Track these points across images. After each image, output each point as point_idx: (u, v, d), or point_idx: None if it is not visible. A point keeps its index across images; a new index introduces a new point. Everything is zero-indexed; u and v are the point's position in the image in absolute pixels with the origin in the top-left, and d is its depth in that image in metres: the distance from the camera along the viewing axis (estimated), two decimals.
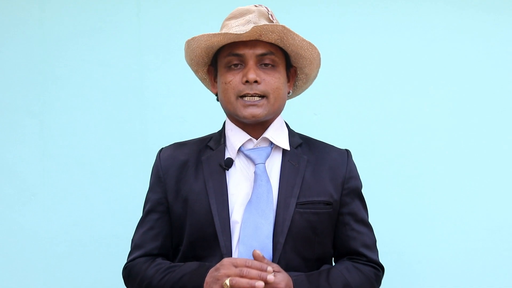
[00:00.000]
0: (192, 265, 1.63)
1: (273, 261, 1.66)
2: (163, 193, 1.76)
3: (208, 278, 1.55)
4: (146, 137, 2.58)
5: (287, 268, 1.66)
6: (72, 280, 2.58)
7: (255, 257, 1.59)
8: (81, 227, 2.58)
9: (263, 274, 1.54)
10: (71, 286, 2.59)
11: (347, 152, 1.85)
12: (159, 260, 1.75)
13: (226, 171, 1.73)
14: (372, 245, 1.83)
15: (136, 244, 1.79)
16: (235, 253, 1.67)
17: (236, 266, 1.55)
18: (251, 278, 1.54)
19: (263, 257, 1.59)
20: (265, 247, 1.63)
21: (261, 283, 1.51)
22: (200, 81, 1.95)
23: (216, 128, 1.89)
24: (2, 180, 2.60)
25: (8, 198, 2.59)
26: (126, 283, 1.80)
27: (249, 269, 1.54)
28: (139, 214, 1.86)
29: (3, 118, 2.62)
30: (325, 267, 1.74)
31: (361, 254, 1.80)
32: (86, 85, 2.60)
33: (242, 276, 1.54)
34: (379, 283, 1.83)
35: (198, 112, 2.59)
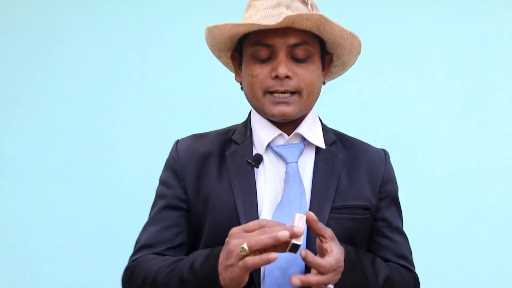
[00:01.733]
0: (203, 251, 1.41)
1: (305, 273, 1.47)
2: (182, 189, 1.56)
3: (221, 259, 1.31)
4: (148, 130, 2.51)
5: None
6: (70, 274, 2.53)
7: (309, 219, 1.34)
8: (81, 220, 2.54)
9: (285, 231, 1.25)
10: (70, 280, 2.53)
11: (384, 152, 1.68)
12: (169, 256, 1.54)
13: (256, 169, 1.54)
14: (408, 256, 1.66)
15: (145, 244, 1.56)
16: None
17: (250, 231, 1.29)
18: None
19: (317, 221, 1.35)
20: (296, 257, 1.46)
21: (286, 233, 1.22)
22: (220, 66, 1.76)
23: (226, 125, 1.71)
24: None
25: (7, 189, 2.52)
26: (125, 287, 1.57)
27: (270, 228, 1.27)
28: (142, 208, 1.68)
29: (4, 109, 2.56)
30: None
31: (396, 264, 1.63)
32: (87, 77, 2.56)
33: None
34: None
35: (206, 106, 2.52)
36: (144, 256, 1.53)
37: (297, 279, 1.27)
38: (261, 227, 1.26)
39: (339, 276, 1.34)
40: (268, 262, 1.20)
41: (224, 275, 1.28)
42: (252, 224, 1.28)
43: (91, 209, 2.57)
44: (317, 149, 1.59)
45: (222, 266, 1.29)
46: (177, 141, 1.64)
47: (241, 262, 1.23)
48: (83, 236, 2.58)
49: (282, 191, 1.51)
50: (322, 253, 1.37)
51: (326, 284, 1.31)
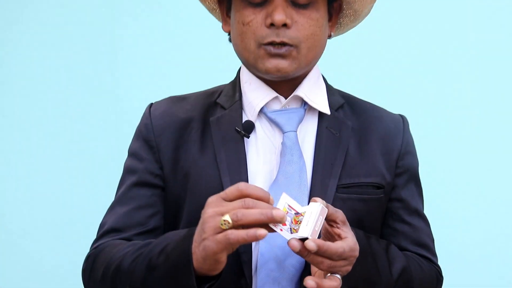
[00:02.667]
0: (179, 231, 1.23)
1: (305, 266, 1.30)
2: (157, 163, 1.38)
3: (196, 235, 1.13)
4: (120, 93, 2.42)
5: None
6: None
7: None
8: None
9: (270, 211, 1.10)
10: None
11: (402, 119, 1.49)
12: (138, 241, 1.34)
13: (246, 138, 1.36)
14: (429, 244, 1.48)
15: (111, 228, 1.36)
16: (254, 254, 1.30)
17: (228, 200, 1.12)
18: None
19: (327, 204, 1.19)
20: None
21: (282, 213, 1.09)
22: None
23: (210, 86, 1.52)
24: None
25: None
26: (86, 279, 1.36)
27: (254, 201, 1.11)
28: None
29: None
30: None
31: (415, 254, 1.45)
32: (53, 59, 2.56)
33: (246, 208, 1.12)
34: None
35: (186, 63, 2.45)
36: (109, 241, 1.35)
37: (312, 282, 1.14)
38: (241, 194, 1.11)
39: (349, 267, 1.19)
40: (256, 239, 1.07)
41: (198, 254, 1.12)
42: (229, 191, 1.12)
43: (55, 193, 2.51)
44: (321, 115, 1.41)
45: (196, 244, 1.12)
46: (151, 105, 1.45)
47: (220, 236, 1.08)
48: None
49: (277, 166, 1.35)
50: (331, 240, 1.21)
51: (333, 273, 1.18)
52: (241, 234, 1.07)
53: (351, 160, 1.39)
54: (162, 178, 1.38)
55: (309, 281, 1.13)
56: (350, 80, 2.15)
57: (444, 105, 2.53)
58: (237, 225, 1.08)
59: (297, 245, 1.11)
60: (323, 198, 1.29)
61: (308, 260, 1.14)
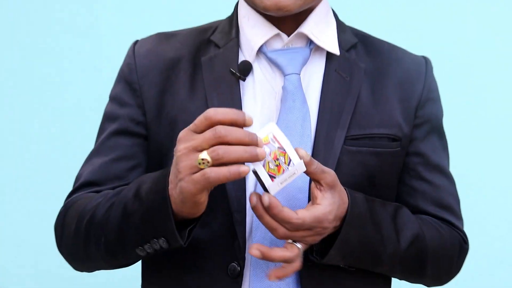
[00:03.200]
0: (154, 173, 1.12)
1: None
2: (140, 108, 1.26)
3: (171, 176, 1.05)
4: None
5: (325, 239, 1.17)
6: None
7: (303, 157, 1.06)
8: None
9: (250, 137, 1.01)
10: None
11: (426, 61, 1.34)
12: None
13: (242, 81, 1.23)
14: (452, 205, 1.33)
15: (87, 181, 1.26)
16: (249, 213, 1.19)
17: (199, 131, 1.01)
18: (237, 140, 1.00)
19: (312, 160, 1.07)
20: (298, 204, 1.17)
21: (264, 150, 1.00)
22: None
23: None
24: None
25: None
26: (59, 236, 1.25)
27: (227, 128, 0.99)
28: None
29: None
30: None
31: (435, 217, 1.31)
32: None
33: (221, 141, 0.99)
34: (462, 260, 1.34)
35: None
36: (81, 195, 1.25)
37: (257, 251, 1.07)
38: (211, 122, 0.99)
39: (317, 237, 1.10)
40: (239, 176, 0.98)
41: (175, 196, 1.03)
42: (198, 121, 1.00)
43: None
44: (329, 56, 1.27)
45: (172, 185, 1.04)
46: (135, 42, 1.32)
47: (197, 175, 0.98)
48: None
49: (277, 113, 1.23)
50: (313, 202, 1.12)
51: (293, 241, 1.10)
52: (223, 172, 0.97)
53: (363, 108, 1.25)
54: (145, 125, 1.26)
55: (253, 250, 1.06)
56: None
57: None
58: (217, 164, 0.98)
59: (254, 199, 1.05)
60: (329, 151, 1.20)
61: (261, 222, 1.06)
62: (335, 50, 1.25)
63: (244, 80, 1.22)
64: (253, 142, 0.98)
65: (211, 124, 0.99)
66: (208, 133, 0.98)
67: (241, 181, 1.18)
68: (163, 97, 1.25)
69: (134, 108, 1.26)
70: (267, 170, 1.02)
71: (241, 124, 1.00)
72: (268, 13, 1.20)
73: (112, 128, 1.27)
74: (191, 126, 1.01)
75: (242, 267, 1.16)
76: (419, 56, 1.35)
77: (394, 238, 1.20)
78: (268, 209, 1.05)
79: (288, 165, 1.02)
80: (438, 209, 1.30)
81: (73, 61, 2.42)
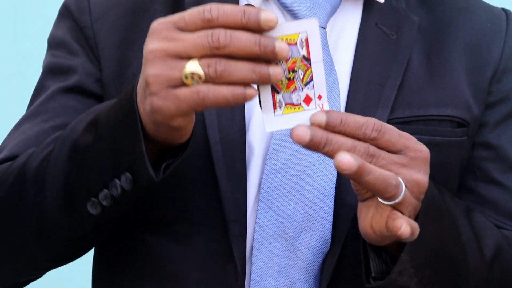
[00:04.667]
0: (107, 102, 0.93)
1: (330, 247, 0.96)
2: (92, 63, 1.04)
3: (139, 87, 0.82)
4: None
5: (358, 254, 0.92)
6: None
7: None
8: None
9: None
10: None
11: (507, 16, 1.11)
12: None
13: None
14: None
15: (14, 155, 1.00)
16: (250, 224, 0.97)
17: (188, 30, 0.77)
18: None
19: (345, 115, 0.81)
20: (318, 216, 0.96)
21: (279, 70, 0.75)
22: None
23: None
24: None
25: None
26: None
27: (230, 32, 0.76)
28: None
29: None
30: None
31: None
32: None
33: (218, 53, 0.76)
34: None
35: None
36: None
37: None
38: (210, 23, 0.75)
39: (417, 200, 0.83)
40: (243, 101, 0.75)
41: (143, 113, 0.80)
42: (190, 16, 0.75)
43: None
44: (368, 3, 1.05)
45: (140, 98, 0.80)
46: None
47: (185, 91, 0.75)
48: None
49: None
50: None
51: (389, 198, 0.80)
52: (223, 92, 0.74)
53: (415, 78, 1.02)
54: (100, 84, 1.03)
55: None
56: None
57: None
58: (212, 82, 0.76)
59: (303, 129, 0.75)
60: None
61: (333, 156, 0.77)
62: None
63: None
64: (267, 53, 0.73)
65: (209, 26, 0.75)
66: (202, 37, 0.74)
67: (240, 179, 0.95)
68: (127, 48, 1.03)
69: (86, 60, 1.03)
70: None
71: (254, 27, 0.75)
72: None
73: (61, 84, 1.02)
74: (177, 18, 0.76)
75: None
76: (498, 8, 1.10)
77: (474, 246, 0.98)
78: (335, 126, 0.77)
79: (305, 86, 0.77)
80: (510, 222, 1.08)
81: None
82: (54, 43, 1.05)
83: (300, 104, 0.75)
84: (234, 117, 0.98)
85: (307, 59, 0.76)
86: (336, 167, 0.74)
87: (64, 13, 1.05)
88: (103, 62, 1.02)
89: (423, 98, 1.02)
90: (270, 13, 0.75)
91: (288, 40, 0.75)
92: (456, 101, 1.03)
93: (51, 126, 0.99)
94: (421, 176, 0.80)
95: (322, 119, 0.75)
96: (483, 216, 1.07)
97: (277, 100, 0.75)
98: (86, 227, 0.88)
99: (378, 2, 1.02)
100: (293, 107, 0.75)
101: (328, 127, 0.74)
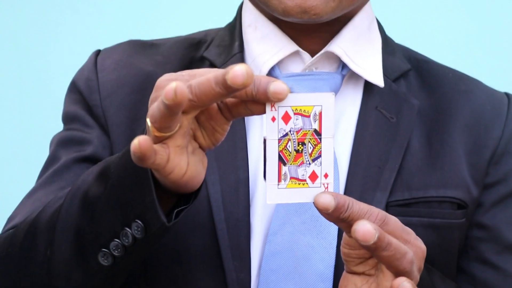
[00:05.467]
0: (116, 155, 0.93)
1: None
2: (103, 135, 1.05)
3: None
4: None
5: None
6: None
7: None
8: None
9: None
10: None
11: (508, 99, 1.10)
12: None
13: (247, 116, 1.00)
14: None
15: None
16: (255, 267, 0.98)
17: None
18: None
19: (347, 200, 0.78)
20: None
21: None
22: None
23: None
24: None
25: None
26: None
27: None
28: None
29: None
30: None
31: None
32: None
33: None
34: None
35: None
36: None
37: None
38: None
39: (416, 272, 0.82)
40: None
41: None
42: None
43: None
44: (369, 86, 1.05)
45: None
46: (98, 52, 1.11)
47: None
48: None
49: None
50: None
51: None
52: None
53: (415, 161, 1.02)
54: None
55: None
56: None
57: None
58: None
59: (329, 200, 0.74)
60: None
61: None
62: (378, 79, 1.02)
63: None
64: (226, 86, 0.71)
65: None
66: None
67: (244, 259, 0.94)
68: (136, 125, 1.03)
69: (96, 131, 1.04)
70: (280, 149, 0.75)
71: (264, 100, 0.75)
72: (287, 19, 0.97)
73: (76, 154, 1.03)
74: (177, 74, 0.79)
75: None
76: (499, 92, 1.10)
77: None
78: (344, 212, 0.75)
79: (313, 161, 0.76)
80: None
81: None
82: (68, 119, 1.06)
83: (305, 180, 0.73)
84: (238, 196, 0.98)
85: (318, 133, 0.75)
86: (357, 232, 0.73)
87: (73, 90, 1.06)
88: (113, 139, 1.03)
89: (423, 180, 1.01)
90: (281, 84, 0.74)
91: (302, 112, 0.74)
92: (456, 182, 1.02)
93: (58, 188, 0.99)
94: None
95: (331, 203, 0.73)
96: None
97: (283, 172, 0.73)
98: (97, 281, 0.86)
99: (378, 86, 1.02)
100: (297, 182, 0.73)
101: (334, 212, 0.73)
